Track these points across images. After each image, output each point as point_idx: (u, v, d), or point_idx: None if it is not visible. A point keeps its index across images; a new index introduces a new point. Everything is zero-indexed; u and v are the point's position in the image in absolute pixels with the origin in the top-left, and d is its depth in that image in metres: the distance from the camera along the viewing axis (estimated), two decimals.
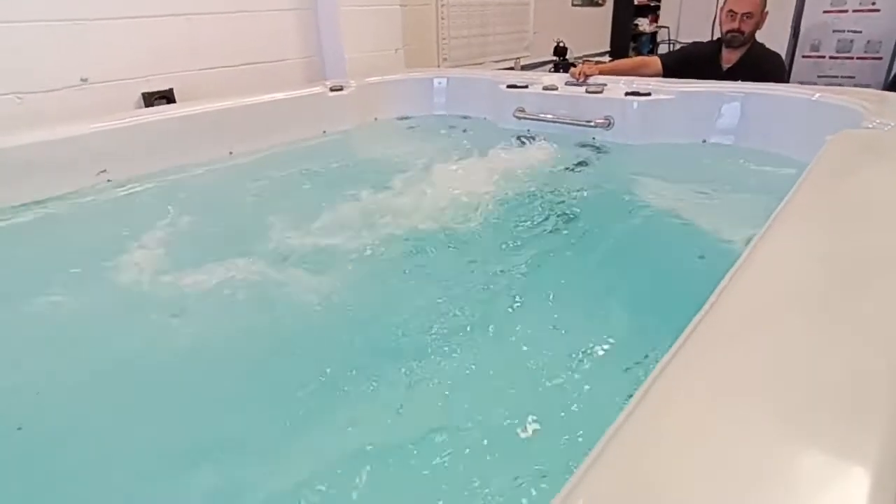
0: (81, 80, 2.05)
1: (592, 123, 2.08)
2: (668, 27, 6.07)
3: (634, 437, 0.42)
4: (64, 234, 1.60)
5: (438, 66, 3.50)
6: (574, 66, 2.50)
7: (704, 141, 2.03)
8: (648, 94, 2.02)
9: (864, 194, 0.92)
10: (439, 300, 1.19)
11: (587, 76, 2.24)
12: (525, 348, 1.03)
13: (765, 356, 0.50)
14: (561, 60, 4.31)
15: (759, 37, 2.38)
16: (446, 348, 1.03)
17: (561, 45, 4.31)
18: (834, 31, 4.12)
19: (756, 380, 0.47)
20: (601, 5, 5.23)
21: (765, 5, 2.27)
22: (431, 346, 1.03)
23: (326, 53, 2.81)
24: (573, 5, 4.81)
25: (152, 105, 2.22)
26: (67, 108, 2.01)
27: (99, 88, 2.10)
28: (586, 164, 1.98)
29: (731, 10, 2.28)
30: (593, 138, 2.13)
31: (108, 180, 1.82)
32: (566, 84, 2.26)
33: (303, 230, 1.50)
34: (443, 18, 3.46)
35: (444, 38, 3.50)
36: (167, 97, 2.27)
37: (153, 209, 1.74)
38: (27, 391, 0.97)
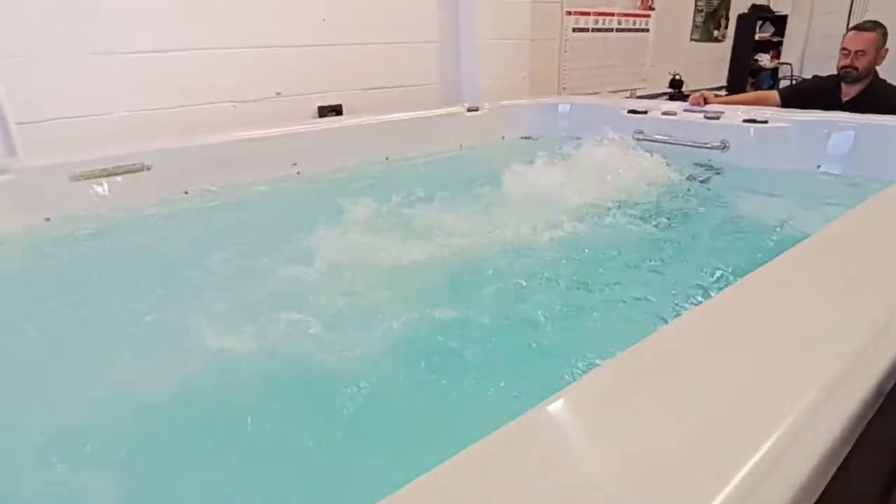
0: (276, 93, 2.57)
1: (709, 145, 2.27)
2: (790, 64, 6.00)
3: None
4: (267, 211, 2.07)
5: (559, 94, 3.81)
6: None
7: (819, 167, 2.15)
8: (765, 122, 2.19)
9: None
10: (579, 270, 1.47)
11: (706, 100, 2.44)
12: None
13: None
14: (676, 93, 4.46)
15: (881, 72, 2.47)
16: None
17: (677, 77, 4.47)
18: None
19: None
20: (721, 41, 5.31)
21: (883, 43, 2.37)
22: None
23: (462, 79, 3.21)
24: (692, 40, 4.95)
25: (325, 116, 2.70)
26: (265, 114, 2.53)
27: (287, 101, 2.61)
28: (702, 182, 2.17)
29: (844, 48, 2.42)
30: (709, 160, 2.31)
31: (298, 172, 2.29)
32: (684, 111, 2.47)
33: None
34: (565, 51, 3.78)
35: (564, 70, 3.82)
36: (336, 110, 2.75)
37: (331, 196, 2.18)
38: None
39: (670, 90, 4.52)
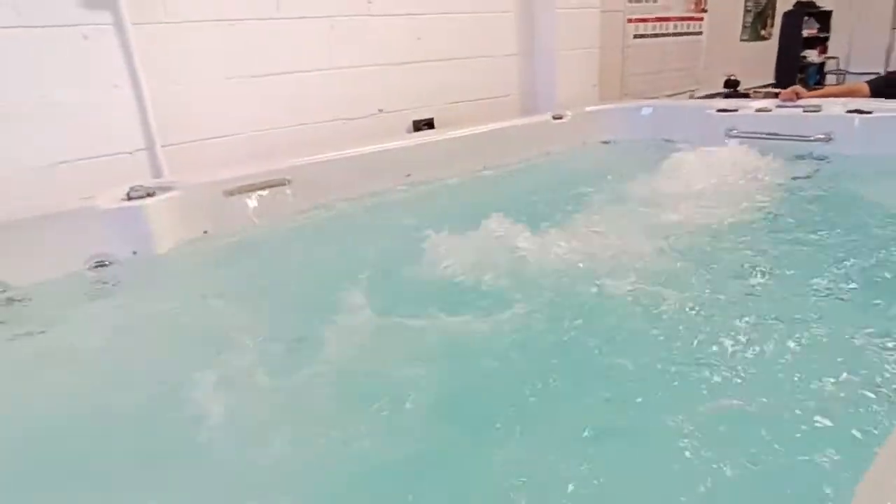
0: (378, 110, 2.68)
1: (812, 138, 2.31)
2: (836, 58, 6.01)
3: None
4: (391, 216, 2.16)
5: (619, 100, 3.88)
6: (748, 96, 2.74)
7: None
8: (870, 112, 2.22)
9: None
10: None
11: (798, 95, 2.48)
12: None
13: None
14: (732, 93, 4.50)
15: None
16: None
17: (732, 78, 4.52)
18: None
19: None
20: (767, 39, 5.35)
21: None
22: None
23: (538, 89, 3.30)
24: (741, 40, 5.00)
25: (420, 129, 2.80)
26: (369, 129, 2.63)
27: (387, 116, 2.71)
28: (809, 175, 2.21)
29: None
30: (811, 152, 2.35)
31: (412, 182, 2.38)
32: (777, 107, 2.52)
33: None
34: (627, 58, 3.85)
35: (626, 75, 3.89)
36: (429, 124, 2.85)
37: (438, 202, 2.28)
38: None
39: (725, 90, 4.56)
